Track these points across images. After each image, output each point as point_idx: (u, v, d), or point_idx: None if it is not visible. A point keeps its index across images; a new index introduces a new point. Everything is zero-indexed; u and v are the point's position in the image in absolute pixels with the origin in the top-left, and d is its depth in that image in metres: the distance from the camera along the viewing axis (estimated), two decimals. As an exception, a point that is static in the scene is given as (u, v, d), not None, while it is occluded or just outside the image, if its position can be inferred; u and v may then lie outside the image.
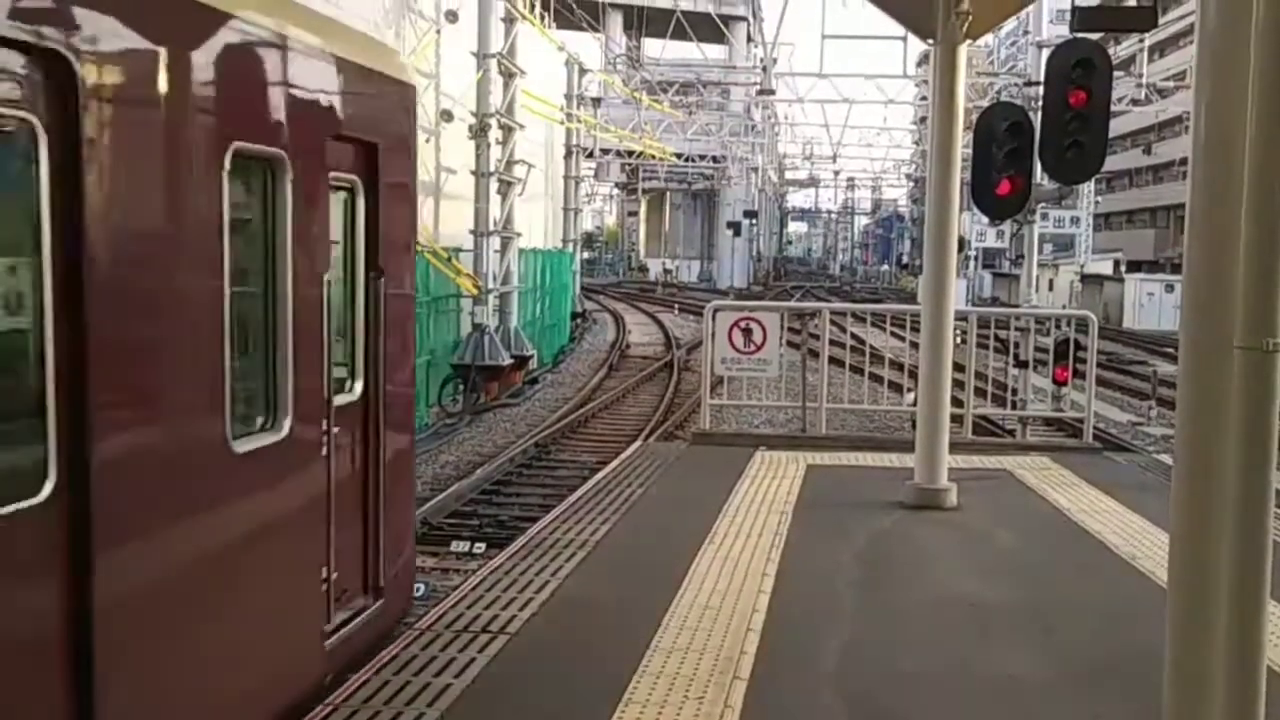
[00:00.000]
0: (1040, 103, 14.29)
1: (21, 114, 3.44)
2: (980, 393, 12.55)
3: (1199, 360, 2.83)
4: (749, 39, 58.44)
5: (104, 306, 3.67)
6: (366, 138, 5.65)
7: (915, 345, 10.40)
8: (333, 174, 5.32)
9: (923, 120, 70.43)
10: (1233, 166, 2.66)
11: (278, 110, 4.86)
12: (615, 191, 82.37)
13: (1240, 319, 2.68)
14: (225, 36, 4.45)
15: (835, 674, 5.26)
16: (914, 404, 10.66)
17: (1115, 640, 5.78)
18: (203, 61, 4.28)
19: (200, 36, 4.29)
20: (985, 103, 31.25)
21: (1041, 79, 16.65)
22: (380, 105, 6.00)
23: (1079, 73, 8.54)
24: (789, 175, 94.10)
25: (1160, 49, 56.75)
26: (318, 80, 5.24)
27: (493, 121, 23.16)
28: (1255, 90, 2.58)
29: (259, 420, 4.79)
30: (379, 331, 5.77)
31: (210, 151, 4.28)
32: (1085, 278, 50.68)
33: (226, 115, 4.43)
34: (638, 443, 12.07)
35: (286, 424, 4.80)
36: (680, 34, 38.22)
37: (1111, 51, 11.23)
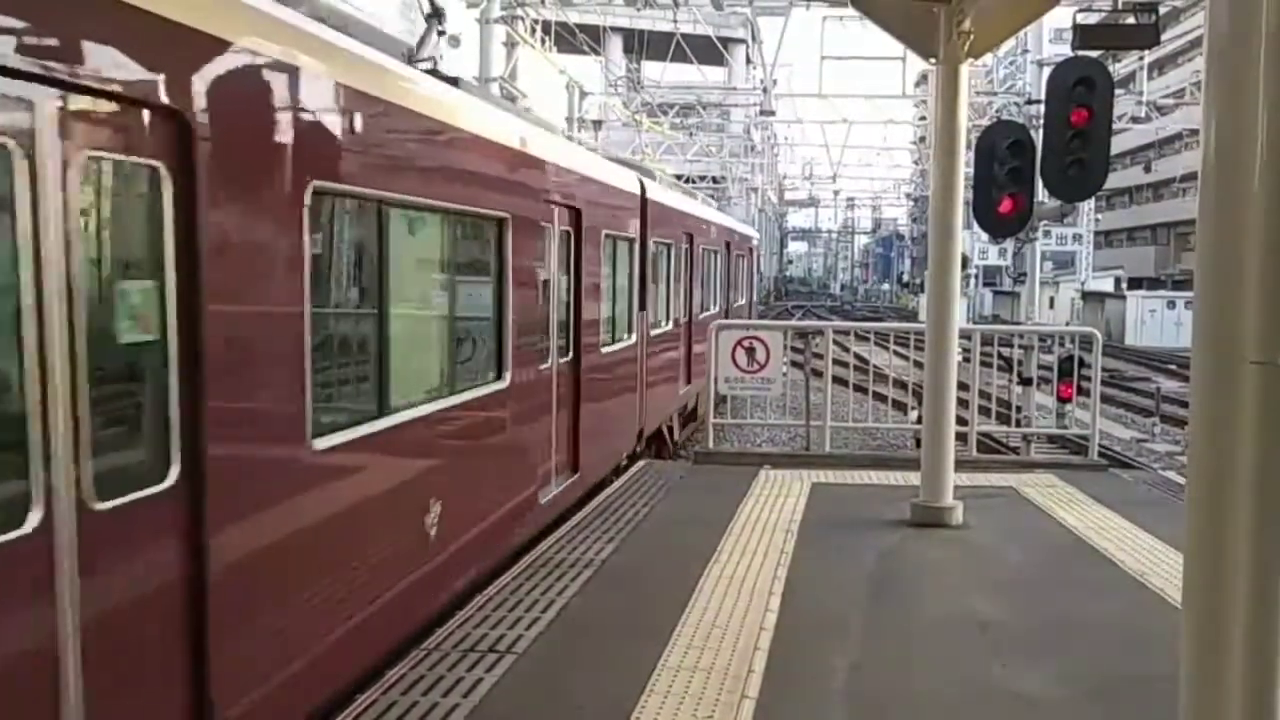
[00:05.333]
0: (1041, 121, 14.32)
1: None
2: (984, 410, 12.53)
3: (1211, 376, 2.79)
4: (748, 61, 58.62)
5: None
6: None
7: (918, 364, 10.40)
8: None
9: (922, 139, 70.62)
10: (1243, 175, 2.63)
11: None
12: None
13: (1253, 333, 2.63)
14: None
15: (844, 693, 5.23)
16: (918, 422, 10.65)
17: (1127, 659, 5.75)
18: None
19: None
20: (984, 122, 31.36)
21: (1042, 97, 16.71)
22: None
23: (1080, 91, 8.57)
24: (789, 195, 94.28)
25: (1160, 66, 56.95)
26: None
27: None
28: (1265, 98, 2.58)
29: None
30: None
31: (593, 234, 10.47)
32: (1087, 295, 50.68)
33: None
34: (641, 461, 12.03)
35: (633, 337, 12.44)
36: (680, 57, 38.28)
37: (1111, 69, 11.25)
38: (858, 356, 23.80)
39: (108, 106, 3.56)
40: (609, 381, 11.12)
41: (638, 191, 12.61)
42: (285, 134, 4.65)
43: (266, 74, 4.49)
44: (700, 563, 7.28)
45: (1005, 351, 15.98)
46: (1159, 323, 43.82)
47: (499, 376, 7.47)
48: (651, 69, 49.05)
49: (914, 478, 9.24)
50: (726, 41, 50.38)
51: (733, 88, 54.16)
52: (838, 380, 16.55)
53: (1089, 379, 12.13)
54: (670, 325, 15.07)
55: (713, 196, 35.91)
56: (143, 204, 3.81)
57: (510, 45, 24.39)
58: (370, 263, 5.63)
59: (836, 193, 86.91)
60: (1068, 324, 43.14)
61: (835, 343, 14.96)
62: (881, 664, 5.63)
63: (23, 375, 3.25)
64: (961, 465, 9.38)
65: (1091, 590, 7.02)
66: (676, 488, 9.89)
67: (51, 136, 3.32)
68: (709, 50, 40.66)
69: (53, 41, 3.30)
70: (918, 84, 59.42)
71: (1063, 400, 13.64)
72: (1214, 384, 2.79)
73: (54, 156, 3.33)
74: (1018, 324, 34.84)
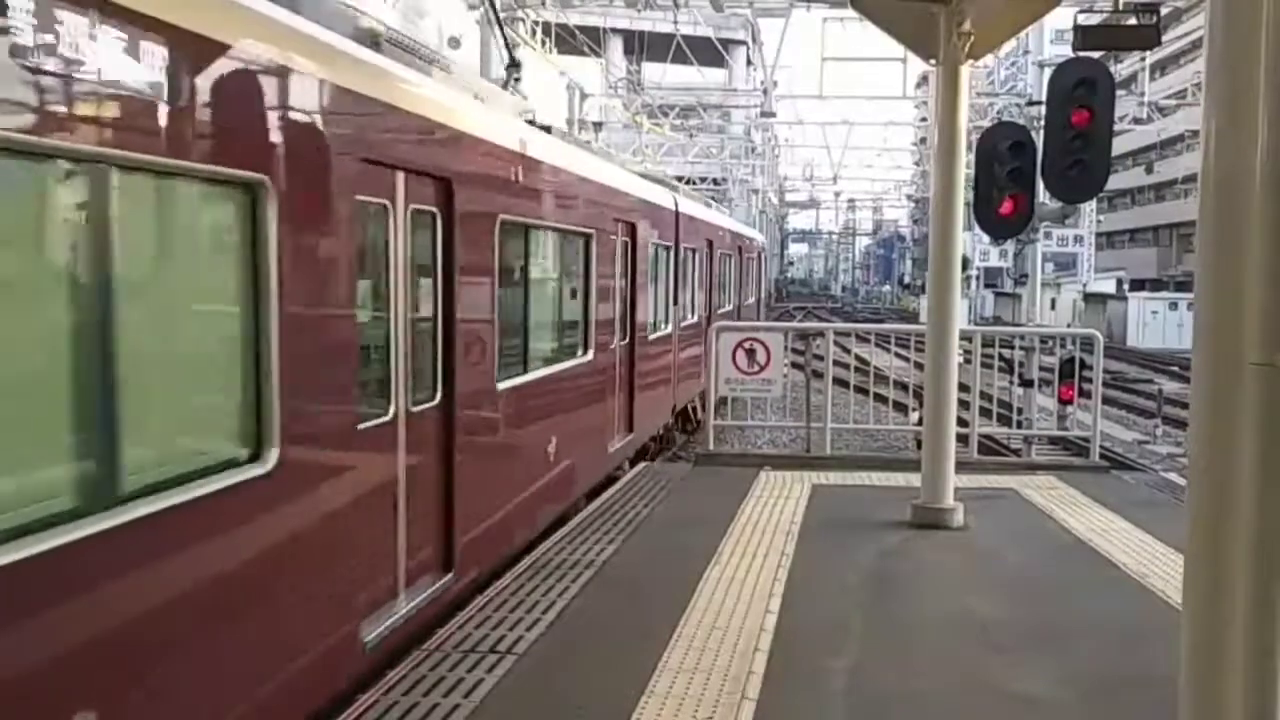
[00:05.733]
0: (1042, 122, 14.32)
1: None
2: (985, 412, 12.52)
3: (1211, 377, 2.79)
4: (748, 62, 58.62)
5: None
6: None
7: (919, 365, 10.39)
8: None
9: (923, 141, 70.65)
10: (1243, 176, 2.63)
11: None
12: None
13: (1254, 334, 2.63)
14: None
15: (844, 694, 5.22)
16: (919, 423, 10.64)
17: (1128, 660, 5.74)
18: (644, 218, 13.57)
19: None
20: (985, 124, 31.34)
21: (1043, 98, 16.69)
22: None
23: (1081, 92, 8.56)
24: (789, 197, 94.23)
25: (1161, 67, 56.89)
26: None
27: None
28: (1265, 99, 2.57)
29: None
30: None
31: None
32: (1088, 296, 50.63)
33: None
34: (642, 463, 12.03)
35: (669, 327, 14.92)
36: (680, 58, 38.28)
37: (1113, 70, 11.24)
38: (858, 358, 23.78)
39: (419, 178, 6.05)
40: (653, 363, 13.80)
41: (673, 207, 15.26)
42: (490, 185, 7.28)
43: (482, 149, 7.16)
44: (700, 564, 7.28)
45: (1006, 353, 15.99)
46: (1161, 324, 43.77)
47: (585, 352, 10.11)
48: (652, 70, 49.07)
49: (915, 479, 9.24)
50: (727, 43, 50.42)
51: (733, 89, 54.17)
52: (838, 382, 16.55)
53: (1090, 380, 12.12)
54: (694, 319, 17.45)
55: (713, 198, 35.93)
56: (427, 233, 6.23)
57: (510, 47, 24.36)
58: (521, 268, 8.35)
59: (837, 194, 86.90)
60: (1069, 325, 43.14)
61: (836, 344, 14.97)
62: (882, 665, 5.62)
63: (388, 337, 5.77)
64: (962, 467, 9.37)
65: (1092, 591, 7.01)
66: (677, 489, 9.89)
67: (401, 197, 5.83)
68: (709, 52, 40.67)
69: (402, 144, 5.87)
70: (919, 85, 59.42)
71: (1064, 402, 13.63)
72: (1215, 385, 2.79)
73: (402, 209, 5.85)
74: (1019, 325, 34.85)
